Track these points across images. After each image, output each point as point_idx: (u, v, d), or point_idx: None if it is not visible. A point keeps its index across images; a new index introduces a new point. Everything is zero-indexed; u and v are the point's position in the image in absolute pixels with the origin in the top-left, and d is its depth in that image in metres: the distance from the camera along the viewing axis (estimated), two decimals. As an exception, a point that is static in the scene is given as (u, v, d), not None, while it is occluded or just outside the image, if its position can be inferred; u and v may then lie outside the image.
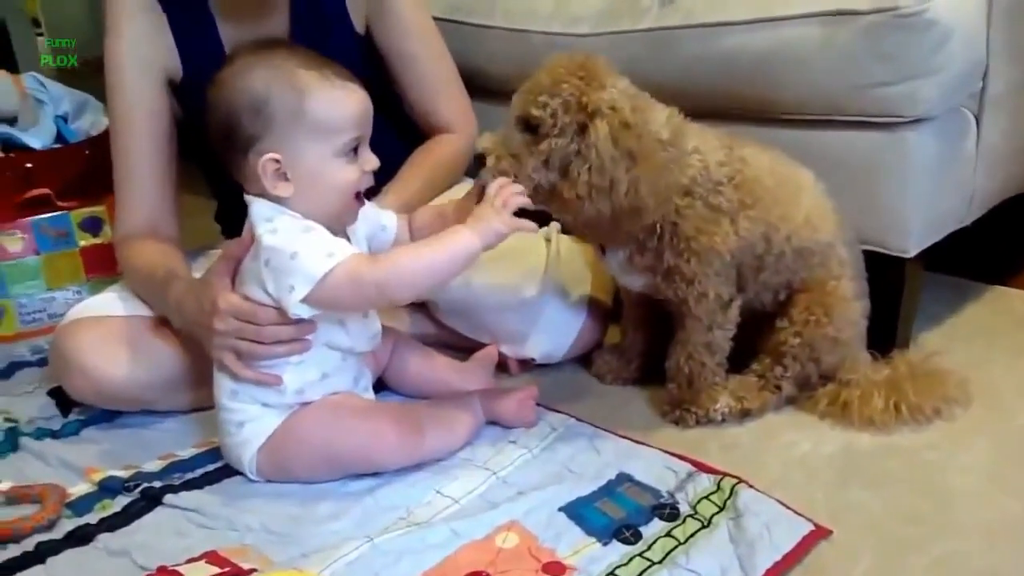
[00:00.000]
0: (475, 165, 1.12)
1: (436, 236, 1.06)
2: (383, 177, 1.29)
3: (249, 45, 1.10)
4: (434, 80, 1.45)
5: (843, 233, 1.23)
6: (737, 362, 1.25)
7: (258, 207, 1.06)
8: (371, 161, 1.08)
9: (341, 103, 1.04)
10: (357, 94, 1.06)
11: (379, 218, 1.18)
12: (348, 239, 1.11)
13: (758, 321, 1.24)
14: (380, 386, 1.30)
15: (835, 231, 1.22)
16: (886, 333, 1.32)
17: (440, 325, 1.41)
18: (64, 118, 1.71)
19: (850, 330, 1.22)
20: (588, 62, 1.10)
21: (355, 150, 1.07)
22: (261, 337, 1.06)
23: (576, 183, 1.07)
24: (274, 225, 1.04)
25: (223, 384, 1.11)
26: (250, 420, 1.11)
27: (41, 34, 3.60)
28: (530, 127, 1.09)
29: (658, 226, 1.13)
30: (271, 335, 1.06)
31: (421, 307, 1.42)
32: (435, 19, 1.48)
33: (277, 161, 1.03)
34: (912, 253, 1.29)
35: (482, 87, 1.59)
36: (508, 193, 1.06)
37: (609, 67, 1.12)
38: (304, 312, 1.04)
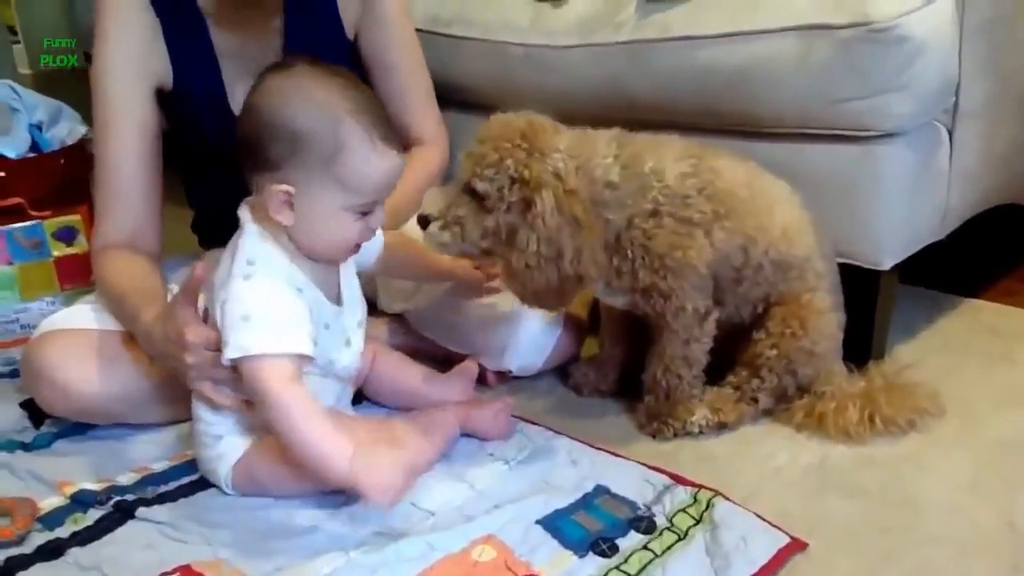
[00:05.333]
0: (420, 225, 1.13)
1: (335, 428, 0.99)
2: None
3: (310, 62, 1.03)
4: (414, 92, 1.46)
5: (819, 246, 1.24)
6: (714, 374, 1.26)
7: (249, 241, 1.03)
8: (379, 219, 1.06)
9: (374, 168, 1.00)
10: (392, 161, 1.02)
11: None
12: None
13: (734, 333, 1.24)
14: (359, 397, 1.30)
15: (811, 244, 1.22)
16: (861, 345, 1.33)
17: (417, 335, 1.41)
18: (39, 127, 1.69)
19: (826, 342, 1.23)
20: (529, 128, 1.10)
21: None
22: None
23: (525, 253, 1.08)
24: (252, 270, 1.01)
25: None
26: (228, 433, 1.10)
27: (17, 42, 3.57)
28: (477, 196, 1.10)
29: (628, 251, 1.14)
30: None
31: (398, 317, 1.41)
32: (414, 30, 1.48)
33: (289, 194, 1.00)
34: (887, 266, 1.30)
35: (459, 99, 1.59)
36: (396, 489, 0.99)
37: (550, 127, 1.12)
38: (231, 363, 1.01)
